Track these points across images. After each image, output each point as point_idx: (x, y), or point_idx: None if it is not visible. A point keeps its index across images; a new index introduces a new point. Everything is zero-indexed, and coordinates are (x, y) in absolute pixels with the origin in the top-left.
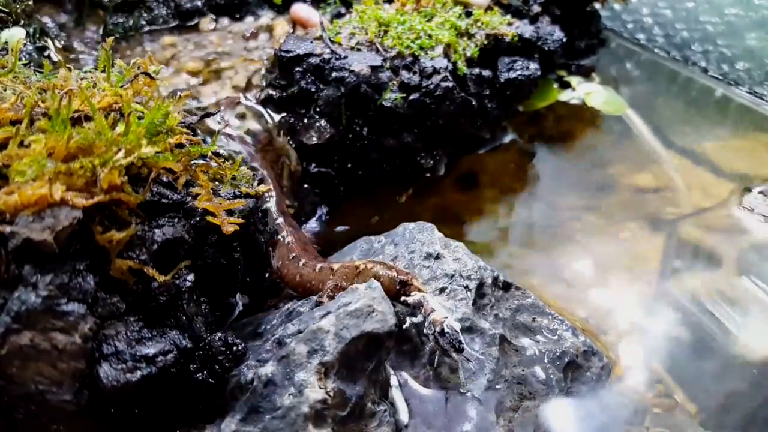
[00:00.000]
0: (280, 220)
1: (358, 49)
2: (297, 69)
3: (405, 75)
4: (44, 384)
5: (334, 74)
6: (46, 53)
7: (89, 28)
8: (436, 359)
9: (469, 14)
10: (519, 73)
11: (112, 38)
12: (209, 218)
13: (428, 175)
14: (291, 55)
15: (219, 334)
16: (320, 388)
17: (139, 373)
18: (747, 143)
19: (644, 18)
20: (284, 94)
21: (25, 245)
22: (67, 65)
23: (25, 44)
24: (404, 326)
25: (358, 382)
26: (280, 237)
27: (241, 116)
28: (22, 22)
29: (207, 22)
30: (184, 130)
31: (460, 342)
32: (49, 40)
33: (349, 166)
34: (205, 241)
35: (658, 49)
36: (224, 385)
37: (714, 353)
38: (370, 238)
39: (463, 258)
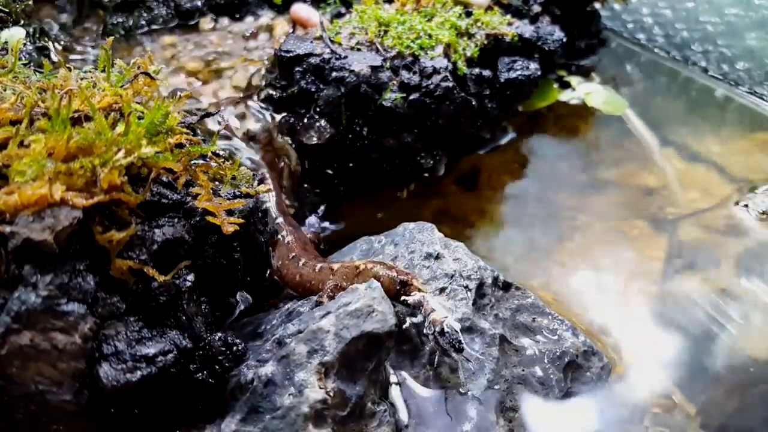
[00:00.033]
0: (280, 219)
1: (358, 49)
2: (297, 69)
3: (405, 75)
4: (44, 384)
5: (334, 74)
6: (46, 53)
7: (89, 28)
8: (436, 359)
9: (469, 14)
10: (519, 73)
11: (112, 38)
12: (209, 218)
13: (428, 175)
14: (291, 55)
15: (219, 334)
16: (320, 388)
17: (139, 373)
18: (747, 143)
19: (644, 18)
20: (284, 94)
21: (25, 245)
22: (67, 65)
23: (25, 44)
24: (404, 326)
25: (358, 382)
26: (280, 237)
27: (241, 116)
28: (22, 22)
29: (207, 22)
30: (184, 130)
31: (460, 342)
32: (49, 41)
33: (349, 166)
34: (205, 241)
35: (658, 49)
36: (224, 385)
37: (714, 353)
38: (370, 238)
39: (463, 258)
